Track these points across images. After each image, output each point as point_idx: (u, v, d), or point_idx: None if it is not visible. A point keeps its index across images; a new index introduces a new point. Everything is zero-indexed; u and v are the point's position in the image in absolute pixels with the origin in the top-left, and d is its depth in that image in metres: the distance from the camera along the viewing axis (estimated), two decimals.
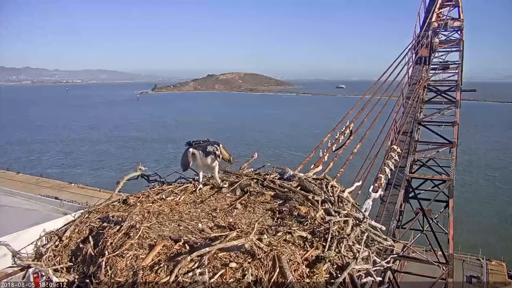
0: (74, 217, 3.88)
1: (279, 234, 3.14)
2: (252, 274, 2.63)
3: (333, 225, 3.35)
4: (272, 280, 2.63)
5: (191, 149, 4.36)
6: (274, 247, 2.89)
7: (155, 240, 3.09)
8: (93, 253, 3.07)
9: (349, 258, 3.02)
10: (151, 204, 3.98)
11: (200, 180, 4.55)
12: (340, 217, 3.58)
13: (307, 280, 2.71)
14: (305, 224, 3.41)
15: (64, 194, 33.34)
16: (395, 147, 10.18)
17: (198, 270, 2.63)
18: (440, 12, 20.33)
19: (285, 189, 4.33)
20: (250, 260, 2.75)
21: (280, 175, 4.85)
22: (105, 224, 3.48)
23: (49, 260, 3.17)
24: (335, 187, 4.42)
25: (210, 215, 3.80)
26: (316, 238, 3.17)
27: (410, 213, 16.70)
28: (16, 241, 3.42)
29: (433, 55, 19.07)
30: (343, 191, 4.42)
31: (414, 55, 17.38)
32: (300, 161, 6.52)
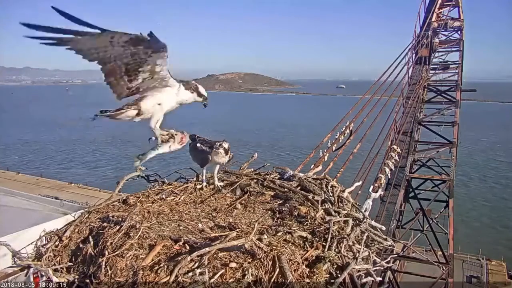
0: (74, 217, 3.88)
1: (279, 234, 3.15)
2: (252, 274, 2.63)
3: (333, 225, 3.35)
4: (272, 280, 2.63)
5: (198, 144, 4.30)
6: (274, 247, 2.89)
7: (155, 240, 3.09)
8: (93, 253, 3.07)
9: (349, 258, 3.02)
10: (151, 204, 3.99)
11: (204, 178, 4.50)
12: (340, 217, 3.58)
13: (307, 280, 2.71)
14: (305, 224, 3.41)
15: (64, 194, 33.36)
16: (395, 147, 10.18)
17: (198, 270, 2.63)
18: (440, 12, 20.36)
19: (285, 189, 4.33)
20: (250, 260, 2.76)
21: (280, 175, 4.85)
22: (105, 224, 3.49)
23: (49, 260, 3.17)
24: (335, 187, 4.41)
25: (210, 215, 3.80)
26: (316, 238, 3.17)
27: (410, 213, 16.72)
28: (16, 241, 3.42)
29: (433, 55, 19.10)
30: (343, 191, 4.42)
31: (414, 55, 17.41)
32: (300, 161, 6.52)
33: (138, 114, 3.65)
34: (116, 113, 3.61)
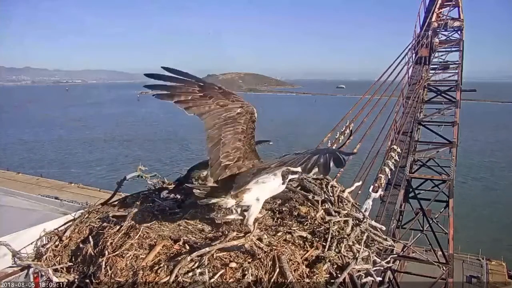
0: (74, 217, 3.88)
1: (279, 234, 3.15)
2: (252, 274, 2.64)
3: (333, 225, 3.36)
4: (272, 280, 2.63)
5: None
6: (274, 247, 2.90)
7: (155, 240, 3.09)
8: (93, 253, 3.07)
9: (349, 258, 3.03)
10: (151, 203, 3.98)
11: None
12: (340, 217, 3.58)
13: (307, 280, 2.72)
14: (305, 224, 3.41)
15: (64, 194, 33.27)
16: (395, 147, 10.18)
17: (198, 270, 2.63)
18: (440, 12, 20.34)
19: (285, 189, 4.33)
20: (250, 260, 2.76)
21: None
22: (105, 224, 3.49)
23: (49, 260, 3.18)
24: (335, 187, 4.40)
25: None
26: (316, 238, 3.17)
27: (410, 213, 16.70)
28: (16, 241, 3.43)
29: (433, 55, 19.07)
30: (343, 191, 4.41)
31: (414, 55, 17.39)
32: None
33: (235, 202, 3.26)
34: (213, 202, 3.17)
